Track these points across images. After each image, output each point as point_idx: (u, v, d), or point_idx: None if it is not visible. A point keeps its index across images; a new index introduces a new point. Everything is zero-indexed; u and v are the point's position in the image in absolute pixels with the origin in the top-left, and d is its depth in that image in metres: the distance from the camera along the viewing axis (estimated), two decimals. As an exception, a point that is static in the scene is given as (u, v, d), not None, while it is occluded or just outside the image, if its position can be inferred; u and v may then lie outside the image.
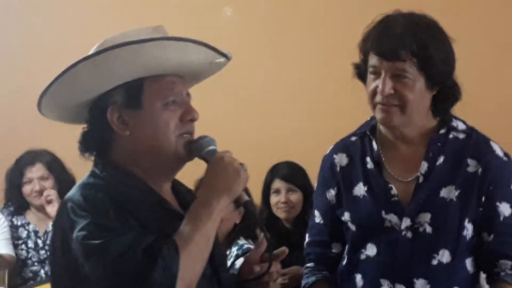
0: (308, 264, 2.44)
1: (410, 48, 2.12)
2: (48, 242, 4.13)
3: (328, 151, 2.43)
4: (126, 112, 1.82)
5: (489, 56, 3.86)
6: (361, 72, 2.27)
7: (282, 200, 3.78)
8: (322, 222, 2.41)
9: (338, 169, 2.36)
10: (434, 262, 2.21)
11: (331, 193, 2.36)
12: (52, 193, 4.12)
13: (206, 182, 1.81)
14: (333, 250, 2.40)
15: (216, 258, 1.90)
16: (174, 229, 1.75)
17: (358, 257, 2.31)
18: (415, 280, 2.21)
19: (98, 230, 1.68)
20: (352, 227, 2.32)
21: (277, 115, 4.30)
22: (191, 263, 1.69)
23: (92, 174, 1.86)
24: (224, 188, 1.79)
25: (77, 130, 1.88)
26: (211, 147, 1.87)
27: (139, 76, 1.82)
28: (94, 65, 1.77)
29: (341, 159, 2.36)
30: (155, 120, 1.82)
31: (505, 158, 2.27)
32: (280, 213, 3.81)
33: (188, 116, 1.86)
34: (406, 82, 2.14)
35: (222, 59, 1.92)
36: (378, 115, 2.22)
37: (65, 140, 4.42)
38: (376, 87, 2.17)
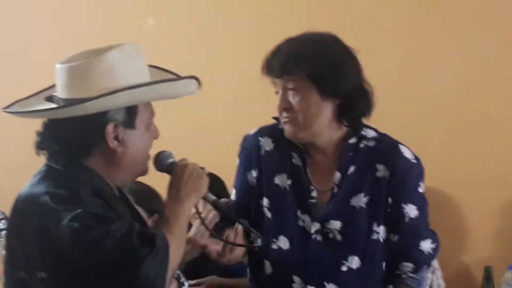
0: None
1: (295, 62, 2.18)
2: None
3: (251, 132, 2.44)
4: (122, 130, 1.94)
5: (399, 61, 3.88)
6: None
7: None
8: (235, 199, 2.45)
9: (262, 152, 2.38)
10: (344, 268, 2.27)
11: (252, 174, 2.39)
12: None
13: (175, 186, 2.02)
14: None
15: None
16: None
17: (270, 245, 2.33)
18: (325, 283, 2.27)
19: (91, 220, 1.80)
20: (268, 214, 2.35)
21: (197, 119, 4.31)
22: (176, 254, 1.91)
23: (50, 168, 1.95)
24: (192, 189, 2.02)
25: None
26: (171, 160, 2.10)
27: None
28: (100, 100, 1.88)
29: (267, 143, 2.38)
30: (142, 139, 1.99)
31: (413, 160, 2.31)
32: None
33: (156, 135, 2.05)
34: (299, 95, 2.20)
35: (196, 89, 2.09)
36: (284, 130, 2.28)
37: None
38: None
